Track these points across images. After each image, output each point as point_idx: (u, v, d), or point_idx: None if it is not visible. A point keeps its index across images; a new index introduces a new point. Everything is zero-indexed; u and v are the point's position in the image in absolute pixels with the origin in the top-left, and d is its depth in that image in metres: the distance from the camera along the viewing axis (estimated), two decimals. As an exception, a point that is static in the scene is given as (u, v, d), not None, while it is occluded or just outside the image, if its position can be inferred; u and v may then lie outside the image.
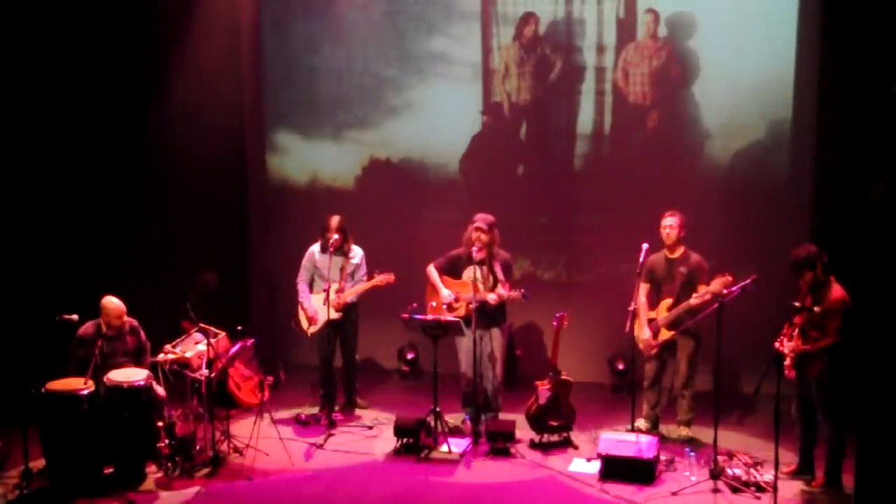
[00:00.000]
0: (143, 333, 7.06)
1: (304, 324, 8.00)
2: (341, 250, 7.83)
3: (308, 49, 9.40)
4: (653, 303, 7.28)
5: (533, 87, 8.92)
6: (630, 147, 8.78)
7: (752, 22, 8.24)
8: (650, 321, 7.24)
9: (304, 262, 7.98)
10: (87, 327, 6.87)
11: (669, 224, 7.21)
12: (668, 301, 7.17)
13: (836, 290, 6.22)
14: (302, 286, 7.97)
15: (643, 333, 7.26)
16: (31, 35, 8.03)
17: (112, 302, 6.87)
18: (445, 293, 7.52)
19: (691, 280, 7.14)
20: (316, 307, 7.84)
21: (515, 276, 8.02)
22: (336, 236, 7.76)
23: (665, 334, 7.18)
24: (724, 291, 6.66)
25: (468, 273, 7.49)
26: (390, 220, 9.21)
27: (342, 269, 7.81)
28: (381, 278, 7.79)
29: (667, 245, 7.24)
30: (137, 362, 6.96)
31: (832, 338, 6.18)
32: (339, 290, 7.78)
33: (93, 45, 8.32)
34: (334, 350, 8.03)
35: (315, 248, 7.93)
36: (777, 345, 6.35)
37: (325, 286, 7.68)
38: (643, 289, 7.27)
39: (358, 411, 8.11)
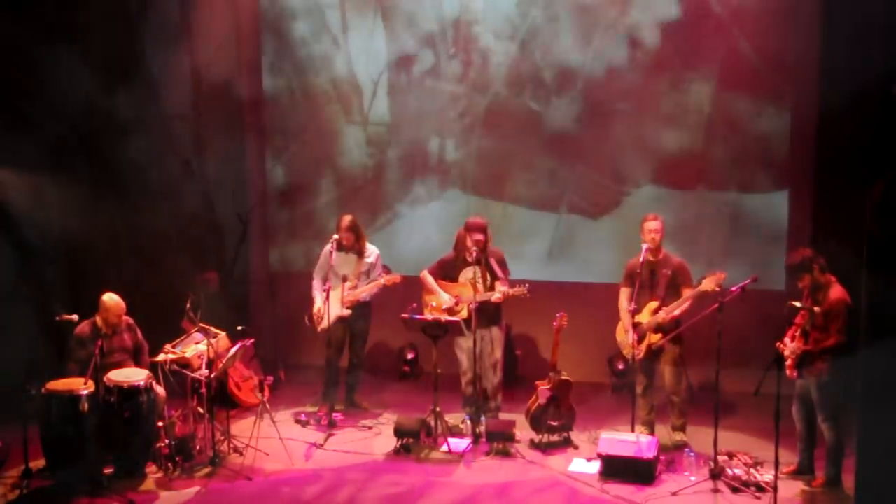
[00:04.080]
0: (139, 332, 7.09)
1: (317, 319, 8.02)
2: (355, 249, 7.87)
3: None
4: (636, 306, 7.04)
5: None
6: (629, 147, 8.76)
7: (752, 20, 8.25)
8: (636, 325, 7.08)
9: (320, 259, 8.03)
10: (83, 327, 6.90)
11: (655, 228, 7.08)
12: (654, 304, 7.08)
13: (837, 291, 6.22)
14: (316, 282, 8.00)
15: (628, 338, 7.11)
16: (30, 36, 8.03)
17: (112, 299, 6.92)
18: (445, 298, 7.51)
19: (675, 282, 7.06)
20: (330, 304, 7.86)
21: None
22: (344, 237, 7.81)
23: (653, 338, 7.10)
24: (717, 289, 6.64)
25: (465, 275, 7.49)
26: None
27: (356, 268, 7.85)
28: (387, 278, 7.85)
29: (651, 249, 7.10)
30: (136, 360, 7.00)
31: (835, 339, 6.17)
32: (353, 288, 7.82)
33: (94, 44, 8.30)
34: (341, 350, 8.06)
35: (330, 246, 7.96)
36: (779, 345, 6.35)
37: (325, 286, 7.70)
38: (625, 293, 7.19)
39: (361, 411, 8.11)
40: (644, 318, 7.10)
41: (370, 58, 9.18)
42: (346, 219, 7.91)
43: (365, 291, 7.89)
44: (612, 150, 8.72)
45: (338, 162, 9.38)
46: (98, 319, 6.93)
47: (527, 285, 7.31)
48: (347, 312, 7.85)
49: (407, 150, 9.23)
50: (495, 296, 7.32)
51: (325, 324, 7.81)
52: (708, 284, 6.79)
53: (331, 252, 7.86)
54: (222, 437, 7.05)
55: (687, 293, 7.00)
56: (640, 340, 7.08)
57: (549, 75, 8.79)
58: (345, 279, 7.85)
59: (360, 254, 7.93)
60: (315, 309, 7.92)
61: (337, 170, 9.39)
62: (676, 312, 6.99)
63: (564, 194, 8.88)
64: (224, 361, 7.06)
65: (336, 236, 7.82)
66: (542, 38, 8.76)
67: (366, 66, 9.20)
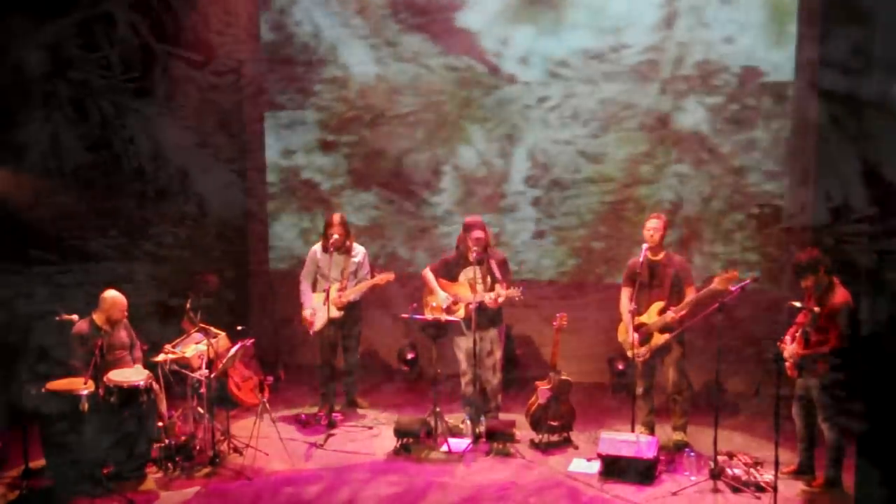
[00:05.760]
0: (132, 330, 7.15)
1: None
2: (343, 249, 7.85)
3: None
4: (639, 307, 7.04)
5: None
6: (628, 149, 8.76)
7: (753, 18, 8.25)
8: (640, 326, 7.07)
9: (307, 261, 8.00)
10: (81, 325, 6.92)
11: (654, 226, 7.09)
12: (660, 304, 7.07)
13: (840, 294, 6.21)
14: (304, 285, 7.97)
15: (629, 338, 7.09)
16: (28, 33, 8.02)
17: (115, 294, 6.97)
18: (442, 296, 7.50)
19: (677, 282, 7.06)
20: (315, 307, 7.84)
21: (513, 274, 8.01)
22: (337, 235, 7.77)
23: (658, 338, 7.08)
24: (731, 288, 6.62)
25: (465, 274, 7.49)
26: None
27: (344, 268, 7.83)
28: (381, 277, 7.81)
29: (650, 247, 7.09)
30: (131, 355, 7.07)
31: (835, 341, 6.17)
32: (342, 289, 7.79)
33: (94, 40, 8.28)
34: (336, 349, 8.04)
35: (317, 247, 7.94)
36: (780, 345, 6.34)
37: (325, 286, 7.70)
38: (626, 293, 7.17)
39: (360, 411, 8.11)
40: (650, 318, 7.08)
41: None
42: (336, 217, 7.85)
43: (355, 292, 7.86)
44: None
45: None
46: (97, 317, 6.94)
47: (520, 288, 7.27)
48: (339, 314, 7.84)
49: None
50: (488, 297, 7.30)
51: (318, 326, 7.81)
52: (720, 283, 6.73)
53: (329, 253, 7.84)
54: (222, 437, 7.06)
55: (690, 292, 6.99)
56: (646, 341, 7.08)
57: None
58: (342, 280, 7.83)
59: (348, 253, 7.89)
60: (306, 312, 7.90)
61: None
62: (685, 311, 6.98)
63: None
64: (224, 361, 7.07)
65: (336, 236, 7.79)
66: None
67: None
